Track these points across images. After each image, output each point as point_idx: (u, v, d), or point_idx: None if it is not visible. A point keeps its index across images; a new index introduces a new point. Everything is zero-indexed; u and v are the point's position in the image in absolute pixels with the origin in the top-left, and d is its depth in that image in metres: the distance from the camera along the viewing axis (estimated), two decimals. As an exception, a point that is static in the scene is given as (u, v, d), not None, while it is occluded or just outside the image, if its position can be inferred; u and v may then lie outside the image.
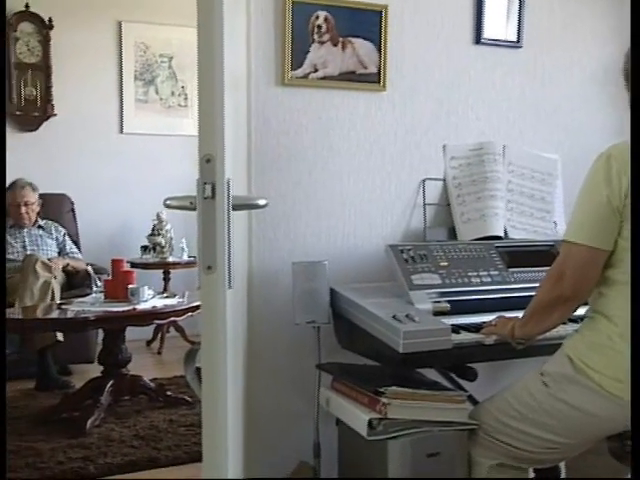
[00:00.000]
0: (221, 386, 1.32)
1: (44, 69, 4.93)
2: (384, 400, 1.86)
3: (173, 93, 5.41)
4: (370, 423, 1.85)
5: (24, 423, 3.46)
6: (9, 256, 4.39)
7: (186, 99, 5.44)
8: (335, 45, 2.34)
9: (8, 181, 4.48)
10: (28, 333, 3.89)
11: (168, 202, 1.36)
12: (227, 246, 1.26)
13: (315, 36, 2.31)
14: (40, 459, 3.01)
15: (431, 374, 2.16)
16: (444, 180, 2.48)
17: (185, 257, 5.03)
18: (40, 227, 4.56)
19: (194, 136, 4.74)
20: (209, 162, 1.26)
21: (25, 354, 4.00)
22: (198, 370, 2.84)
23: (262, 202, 1.42)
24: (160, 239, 4.94)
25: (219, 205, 1.26)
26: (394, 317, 1.92)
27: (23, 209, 4.43)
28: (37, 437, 3.26)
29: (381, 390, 1.87)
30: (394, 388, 1.87)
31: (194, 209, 1.30)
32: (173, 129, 5.38)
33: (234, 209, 1.29)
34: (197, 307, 3.65)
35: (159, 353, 4.92)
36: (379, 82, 2.42)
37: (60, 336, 3.96)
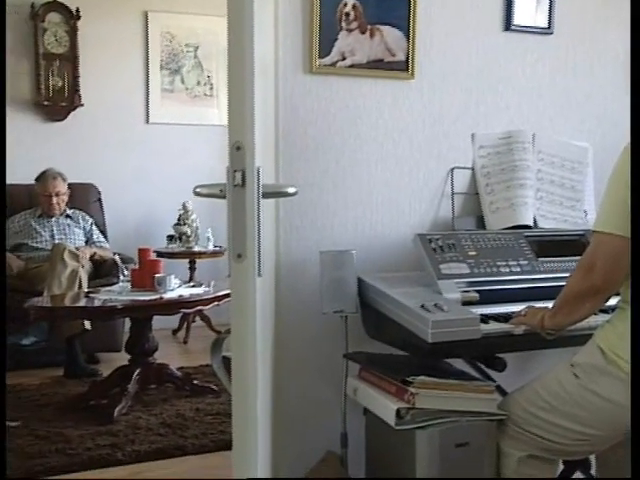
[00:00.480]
0: (251, 374, 1.32)
1: (71, 59, 4.96)
2: (412, 390, 1.85)
3: (199, 83, 5.42)
4: (398, 412, 1.84)
5: (53, 410, 3.51)
6: (37, 245, 4.45)
7: (212, 89, 5.45)
8: (363, 33, 2.32)
9: (37, 171, 4.54)
10: (56, 321, 3.94)
11: (198, 190, 1.35)
12: (257, 234, 1.26)
13: (343, 24, 2.29)
14: (69, 445, 3.05)
15: (458, 364, 2.14)
16: (472, 169, 2.46)
17: (211, 247, 5.05)
18: (68, 216, 4.61)
19: (220, 126, 4.81)
20: (239, 150, 1.26)
21: (53, 342, 4.05)
22: (224, 359, 2.86)
23: (292, 190, 1.41)
24: (186, 228, 4.96)
25: (249, 193, 1.25)
26: (422, 306, 1.91)
27: (54, 199, 4.48)
28: (66, 424, 3.30)
29: (409, 379, 1.87)
30: (422, 378, 1.86)
31: (224, 197, 1.30)
32: (199, 119, 5.39)
33: (264, 197, 1.29)
34: (223, 296, 3.67)
35: (185, 342, 4.95)
36: (407, 70, 2.39)
37: (88, 324, 4.00)
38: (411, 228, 2.41)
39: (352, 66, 2.33)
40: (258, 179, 1.26)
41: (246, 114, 1.25)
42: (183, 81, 5.37)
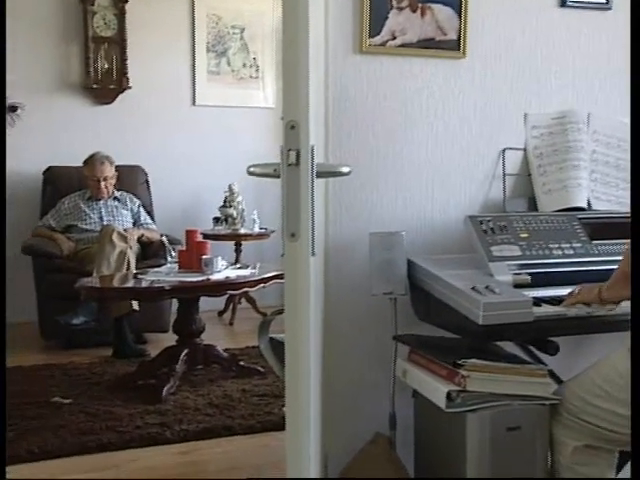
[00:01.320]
0: (304, 353, 1.32)
1: (119, 42, 5.01)
2: (463, 372, 1.83)
3: (245, 65, 5.42)
4: (449, 395, 1.83)
5: (103, 388, 3.57)
6: (86, 227, 4.53)
7: (257, 70, 5.45)
8: (414, 11, 2.28)
9: (86, 153, 4.61)
10: (105, 301, 4.01)
11: (251, 169, 1.35)
12: (311, 213, 1.25)
13: (394, 2, 2.25)
14: (119, 423, 3.11)
15: (509, 347, 2.11)
16: (525, 150, 2.41)
17: (256, 229, 5.08)
18: (116, 198, 4.68)
19: (265, 108, 4.81)
20: (293, 128, 1.25)
21: (102, 322, 4.12)
22: (271, 340, 2.87)
23: (345, 170, 1.40)
24: (232, 211, 4.99)
25: (303, 172, 1.24)
26: (473, 289, 1.88)
27: (102, 184, 4.56)
28: (115, 402, 3.36)
29: (460, 362, 1.85)
30: (473, 360, 1.84)
31: (278, 176, 1.29)
32: (244, 101, 5.41)
33: (317, 176, 1.28)
34: (269, 278, 3.69)
35: (231, 324, 4.99)
36: (459, 49, 2.35)
37: (136, 305, 4.06)
38: (461, 210, 2.38)
39: (402, 45, 2.29)
40: (312, 158, 1.25)
41: (300, 93, 1.24)
42: (229, 63, 5.38)
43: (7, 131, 4.61)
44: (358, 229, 2.26)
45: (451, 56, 2.35)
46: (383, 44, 2.27)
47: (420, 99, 2.34)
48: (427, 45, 2.32)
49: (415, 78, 2.33)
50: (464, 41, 2.34)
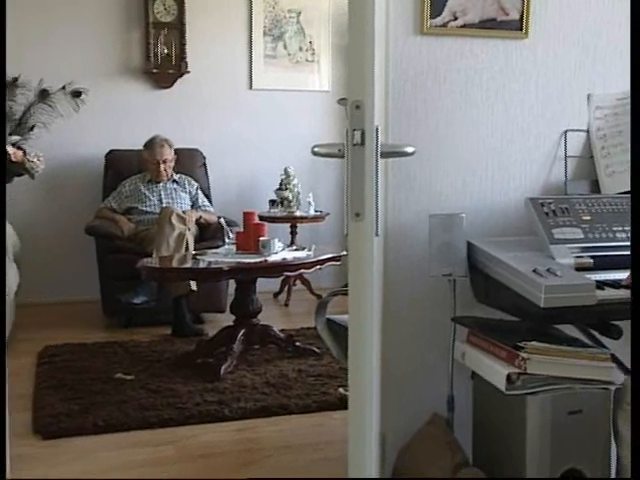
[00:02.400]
0: (367, 332, 1.33)
1: (179, 27, 5.07)
2: (524, 355, 1.83)
3: (301, 48, 5.43)
4: (509, 377, 1.83)
5: (163, 366, 3.66)
6: (146, 209, 4.63)
7: (313, 54, 5.45)
8: (476, -9, 2.26)
9: (145, 137, 4.71)
10: (165, 281, 4.09)
11: (316, 149, 1.37)
12: (375, 193, 1.26)
13: (455, -18, 2.23)
14: (179, 400, 3.18)
15: (568, 330, 2.09)
16: (587, 131, 2.37)
17: (312, 211, 5.12)
18: (175, 181, 4.77)
19: (320, 91, 4.83)
20: (359, 108, 1.26)
21: (162, 302, 4.21)
22: (329, 321, 2.90)
23: (410, 150, 1.41)
24: (287, 193, 5.03)
25: (368, 152, 1.25)
26: (535, 271, 1.87)
27: (162, 166, 4.65)
28: (175, 379, 3.44)
29: (521, 345, 1.84)
30: (534, 343, 1.84)
31: (342, 156, 1.31)
32: (300, 84, 5.43)
33: (382, 156, 1.29)
34: (325, 260, 3.72)
35: (286, 305, 5.05)
36: (521, 29, 2.31)
37: (194, 285, 4.14)
38: (521, 192, 2.35)
39: (464, 26, 2.27)
40: (377, 138, 1.26)
41: (366, 73, 1.25)
42: (285, 47, 5.40)
43: (71, 116, 4.75)
44: (417, 211, 2.26)
45: (513, 36, 2.32)
46: (444, 25, 2.25)
47: (480, 80, 2.32)
48: (489, 25, 2.29)
49: (476, 59, 2.31)
50: (527, 21, 2.31)
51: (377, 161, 1.26)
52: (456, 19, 2.26)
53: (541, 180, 2.39)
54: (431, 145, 2.28)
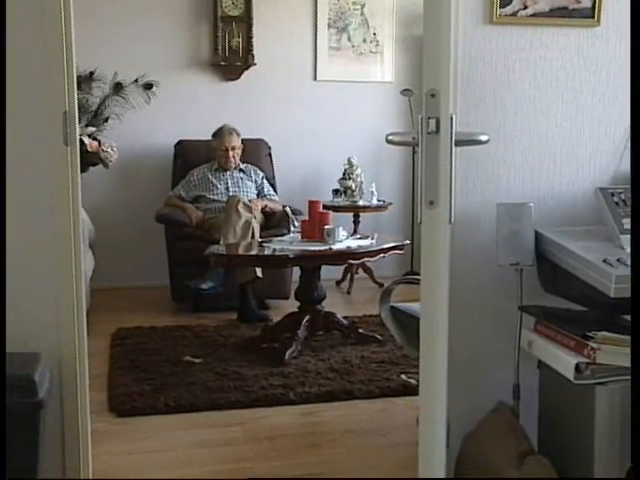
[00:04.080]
0: (440, 318, 1.37)
1: (246, 21, 5.17)
2: (593, 345, 1.83)
3: (365, 40, 5.46)
4: (577, 367, 1.84)
5: (229, 350, 3.76)
6: (214, 197, 4.74)
7: (377, 45, 5.47)
8: (547, -21, 2.25)
9: (213, 128, 4.83)
10: (232, 268, 4.19)
11: (390, 137, 1.41)
12: (449, 181, 1.29)
13: (526, -30, 2.23)
14: (246, 383, 3.27)
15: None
16: (660, 120, 2.33)
17: (374, 201, 5.16)
18: (241, 170, 4.87)
19: (384, 82, 4.86)
20: (434, 97, 1.29)
21: (228, 288, 4.31)
22: (393, 309, 2.94)
23: (484, 138, 1.43)
24: (351, 183, 5.08)
25: (443, 140, 1.29)
26: (604, 261, 1.87)
27: (230, 153, 4.76)
28: (241, 363, 3.53)
29: (590, 334, 1.85)
30: (604, 333, 1.84)
31: (416, 144, 1.34)
32: (364, 76, 5.46)
33: (456, 145, 1.32)
34: (389, 249, 3.75)
35: (348, 293, 5.10)
36: (593, 17, 2.29)
37: (259, 272, 4.22)
38: (590, 182, 2.34)
39: (534, 15, 2.27)
40: (451, 126, 1.29)
41: (441, 61, 1.28)
42: (349, 39, 5.44)
43: (143, 107, 4.90)
44: (484, 200, 2.27)
45: (584, 24, 2.30)
46: (514, 14, 2.25)
47: (550, 70, 2.31)
48: (559, 14, 2.28)
49: (546, 48, 2.30)
50: (599, 8, 2.28)
51: (452, 149, 1.29)
52: (526, 8, 2.26)
53: (611, 170, 2.37)
54: (499, 134, 2.28)
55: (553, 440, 2.10)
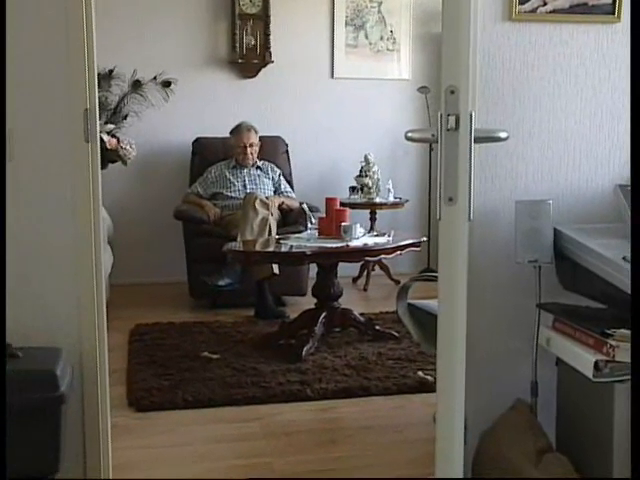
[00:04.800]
0: (459, 317, 1.37)
1: (264, 19, 5.18)
2: (612, 342, 1.83)
3: (382, 37, 5.46)
4: (596, 365, 1.83)
5: (246, 346, 3.78)
6: (231, 194, 4.77)
7: (394, 43, 5.47)
8: (567, -25, 2.24)
9: (230, 125, 4.85)
10: (249, 264, 4.21)
11: (410, 134, 1.41)
12: (469, 178, 1.30)
13: (546, -33, 2.22)
14: (263, 379, 3.29)
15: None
16: (681, 118, 2.32)
17: (391, 198, 5.16)
18: (258, 167, 4.89)
19: (401, 80, 4.85)
20: (453, 93, 1.29)
21: (245, 285, 4.33)
22: (410, 306, 2.94)
23: (503, 135, 1.43)
24: (367, 180, 5.09)
25: (462, 136, 1.29)
26: (624, 259, 1.87)
27: (248, 150, 4.79)
28: (259, 359, 3.55)
29: (609, 332, 1.84)
30: (623, 331, 1.83)
31: (436, 141, 1.35)
32: (381, 73, 5.46)
33: (475, 141, 1.32)
34: (406, 246, 3.76)
35: (365, 290, 5.11)
36: (613, 13, 2.28)
37: (276, 269, 4.24)
38: (609, 179, 2.33)
39: (553, 11, 2.26)
40: (471, 123, 1.29)
41: (461, 57, 1.29)
42: (367, 36, 5.44)
43: (161, 105, 4.93)
44: (503, 197, 2.27)
45: (604, 20, 2.29)
46: (533, 10, 2.25)
47: (569, 66, 2.30)
48: (579, 10, 2.27)
49: (565, 45, 2.29)
50: (619, 4, 2.27)
51: (471, 146, 1.29)
52: (545, 4, 2.26)
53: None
54: (518, 131, 2.28)
55: (571, 438, 2.10)
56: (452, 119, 1.30)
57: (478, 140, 1.34)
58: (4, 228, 2.01)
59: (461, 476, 1.66)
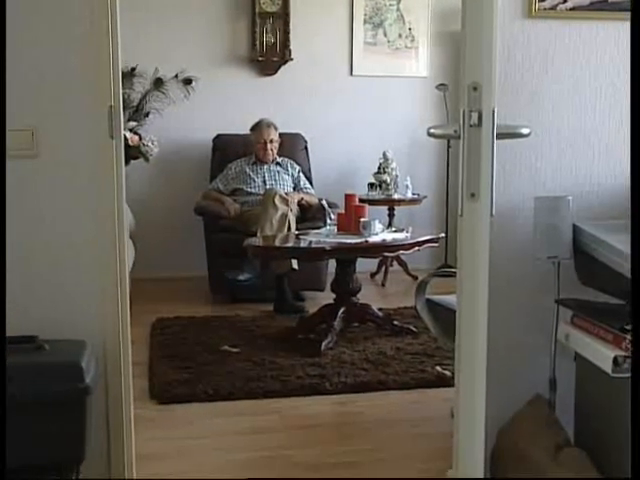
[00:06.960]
0: (480, 311, 1.39)
1: (283, 17, 5.22)
2: (631, 338, 1.83)
3: (400, 35, 5.48)
4: (615, 360, 1.84)
5: (266, 340, 3.81)
6: (251, 190, 4.81)
7: (413, 41, 5.49)
8: (587, -28, 2.25)
9: (250, 122, 4.89)
10: (269, 260, 4.25)
11: (432, 131, 1.43)
12: (491, 174, 1.32)
13: (566, -36, 2.23)
14: (282, 373, 3.32)
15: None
16: (701, 114, 2.32)
17: (409, 194, 5.18)
18: (278, 164, 4.93)
19: (419, 77, 4.87)
20: (476, 90, 1.31)
21: (264, 280, 4.36)
22: (428, 301, 2.96)
23: (526, 131, 1.45)
24: (386, 177, 5.11)
25: (485, 133, 1.31)
26: (643, 254, 1.87)
27: (268, 146, 4.83)
28: (278, 353, 3.59)
29: (628, 328, 1.85)
30: (641, 326, 1.84)
31: (458, 137, 1.37)
32: (399, 71, 5.48)
33: (498, 138, 1.34)
34: (424, 242, 3.78)
35: (383, 285, 5.13)
36: (633, 10, 2.28)
37: (295, 264, 4.27)
38: (628, 176, 2.33)
39: (573, 9, 2.27)
40: (493, 119, 1.31)
41: (484, 54, 1.30)
42: (385, 34, 5.46)
43: (182, 102, 4.98)
44: (522, 194, 2.28)
45: (625, 17, 2.28)
46: (553, 7, 2.25)
47: (589, 64, 2.31)
48: (599, 7, 2.28)
49: (584, 42, 2.30)
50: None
51: (493, 142, 1.31)
52: (566, 1, 2.26)
53: (650, 164, 2.36)
54: (537, 128, 2.28)
55: (590, 432, 2.11)
56: (475, 115, 1.32)
57: (500, 136, 1.36)
58: (4, 228, 2.05)
59: (482, 472, 1.67)
